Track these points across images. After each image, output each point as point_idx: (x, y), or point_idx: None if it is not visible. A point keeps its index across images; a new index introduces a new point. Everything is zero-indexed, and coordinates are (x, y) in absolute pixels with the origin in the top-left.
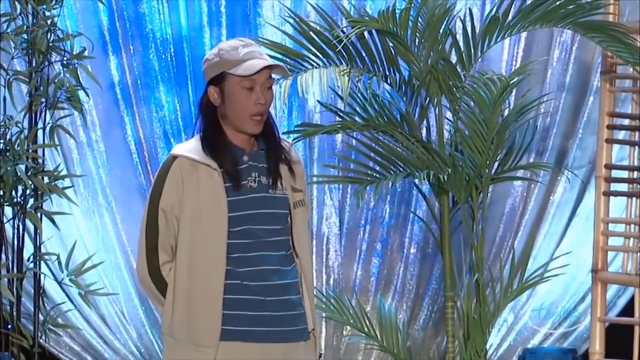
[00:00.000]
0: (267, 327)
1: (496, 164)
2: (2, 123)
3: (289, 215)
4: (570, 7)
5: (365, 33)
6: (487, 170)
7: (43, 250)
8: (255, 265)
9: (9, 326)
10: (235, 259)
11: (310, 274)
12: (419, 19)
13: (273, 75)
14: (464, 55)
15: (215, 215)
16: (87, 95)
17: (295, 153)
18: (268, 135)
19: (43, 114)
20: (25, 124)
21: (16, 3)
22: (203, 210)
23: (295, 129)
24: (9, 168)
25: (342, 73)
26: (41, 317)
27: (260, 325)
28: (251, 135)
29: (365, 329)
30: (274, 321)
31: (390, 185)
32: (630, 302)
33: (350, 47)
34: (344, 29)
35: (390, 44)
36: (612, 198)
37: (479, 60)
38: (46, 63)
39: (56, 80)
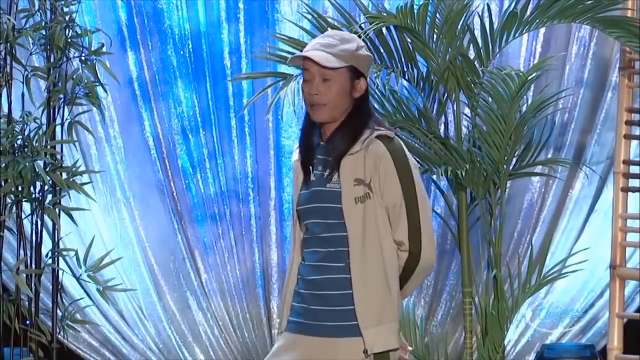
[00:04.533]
0: (302, 318)
1: (514, 159)
2: (21, 119)
3: (342, 210)
4: (589, 2)
5: (384, 29)
6: (505, 166)
7: (61, 246)
8: (307, 261)
9: (28, 322)
10: (305, 253)
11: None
12: (437, 15)
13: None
14: (482, 51)
15: (296, 209)
16: (105, 91)
17: (379, 146)
18: (341, 126)
19: (61, 109)
20: (44, 120)
21: None
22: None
23: None
24: (27, 164)
25: None
26: (59, 313)
27: (296, 316)
28: (321, 124)
29: None
30: (307, 314)
31: None
32: None
33: (369, 43)
34: (362, 25)
35: (409, 40)
36: (630, 194)
37: (497, 56)
38: (64, 59)
39: (74, 76)
